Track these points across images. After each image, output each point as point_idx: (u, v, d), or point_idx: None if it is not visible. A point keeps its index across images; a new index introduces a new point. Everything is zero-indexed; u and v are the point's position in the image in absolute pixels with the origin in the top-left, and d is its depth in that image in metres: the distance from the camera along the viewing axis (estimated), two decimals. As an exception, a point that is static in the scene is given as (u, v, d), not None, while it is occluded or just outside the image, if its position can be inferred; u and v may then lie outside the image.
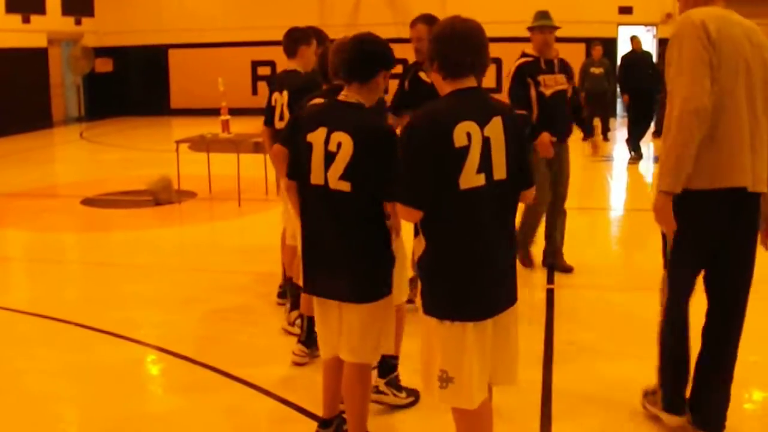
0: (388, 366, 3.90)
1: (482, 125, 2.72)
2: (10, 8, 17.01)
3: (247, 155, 9.48)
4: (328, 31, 5.51)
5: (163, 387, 4.50)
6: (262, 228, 8.06)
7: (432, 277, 2.83)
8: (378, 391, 3.89)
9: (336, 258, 3.18)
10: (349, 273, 3.16)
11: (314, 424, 3.59)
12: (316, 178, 3.14)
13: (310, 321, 4.22)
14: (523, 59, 5.87)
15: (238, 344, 4.93)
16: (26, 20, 17.61)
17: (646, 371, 3.70)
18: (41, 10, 18.18)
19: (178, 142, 9.74)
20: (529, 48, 5.93)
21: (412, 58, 4.99)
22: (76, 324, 5.24)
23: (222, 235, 8.24)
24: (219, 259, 7.03)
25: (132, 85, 20.77)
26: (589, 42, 15.35)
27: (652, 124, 13.04)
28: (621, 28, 17.99)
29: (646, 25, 18.37)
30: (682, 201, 3.20)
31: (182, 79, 20.37)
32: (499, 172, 2.75)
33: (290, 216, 4.73)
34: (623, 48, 14.77)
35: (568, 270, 6.17)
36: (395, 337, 3.42)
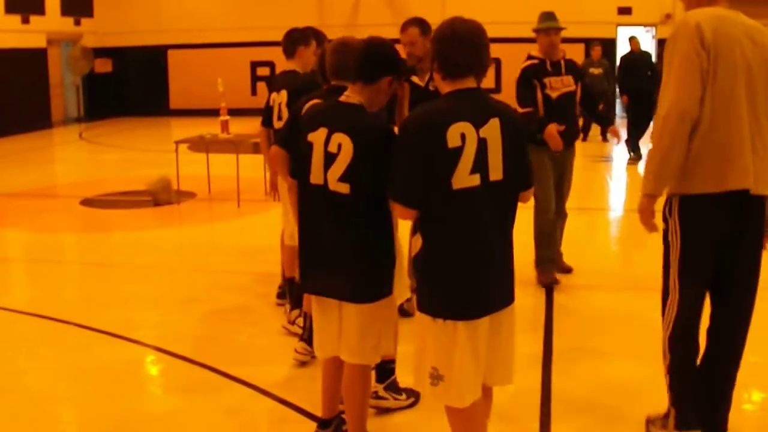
0: (385, 371, 3.88)
1: (478, 126, 2.72)
2: (10, 9, 17.02)
3: (246, 156, 9.49)
4: (327, 32, 5.51)
5: (163, 387, 4.50)
6: (262, 228, 8.06)
7: (427, 276, 2.84)
8: (377, 397, 3.85)
9: (336, 258, 3.17)
10: (348, 273, 3.15)
11: (313, 425, 3.59)
12: (315, 177, 3.15)
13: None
14: (529, 62, 5.75)
15: (237, 344, 4.93)
16: (26, 21, 17.61)
17: (646, 371, 3.69)
18: (40, 10, 18.18)
19: (177, 143, 9.74)
20: (534, 49, 5.80)
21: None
22: (76, 324, 5.24)
23: (221, 235, 8.24)
24: (218, 259, 7.03)
25: (131, 85, 20.78)
26: (588, 42, 15.37)
27: (652, 125, 13.03)
28: (620, 29, 18.01)
29: (645, 25, 18.40)
30: (684, 206, 3.17)
31: (181, 79, 20.37)
32: (496, 173, 2.75)
33: (289, 217, 4.74)
34: (622, 48, 14.76)
35: (567, 270, 6.16)
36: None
